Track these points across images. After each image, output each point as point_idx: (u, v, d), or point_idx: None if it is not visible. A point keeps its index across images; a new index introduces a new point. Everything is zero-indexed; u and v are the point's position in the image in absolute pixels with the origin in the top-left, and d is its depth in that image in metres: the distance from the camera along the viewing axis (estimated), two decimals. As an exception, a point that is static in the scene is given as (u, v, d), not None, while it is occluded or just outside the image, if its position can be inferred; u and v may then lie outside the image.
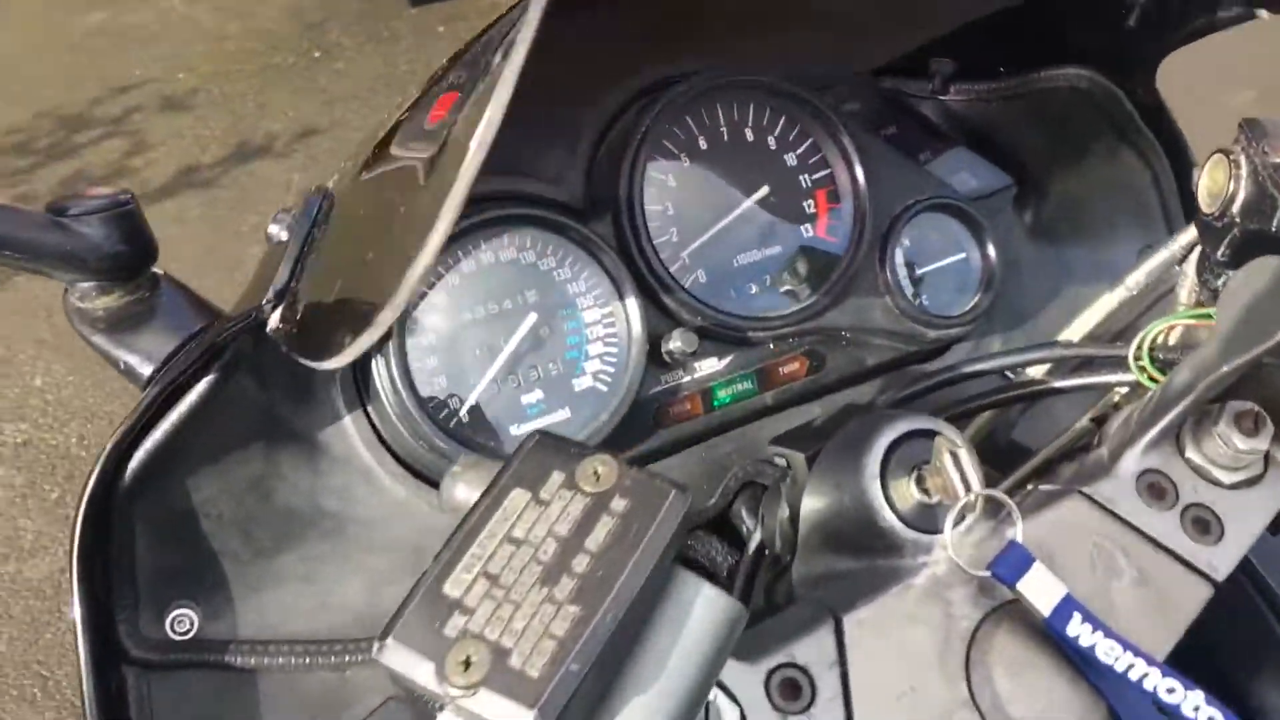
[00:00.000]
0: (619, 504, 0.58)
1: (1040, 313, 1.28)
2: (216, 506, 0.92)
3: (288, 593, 0.93)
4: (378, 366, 0.98)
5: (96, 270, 0.87)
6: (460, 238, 1.03)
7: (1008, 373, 1.06)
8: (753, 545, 0.98)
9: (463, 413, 1.02)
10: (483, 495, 0.59)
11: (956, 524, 0.68)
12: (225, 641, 0.88)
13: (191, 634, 0.84)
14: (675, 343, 1.06)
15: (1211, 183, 0.85)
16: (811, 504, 0.84)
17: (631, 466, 0.59)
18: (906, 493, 0.77)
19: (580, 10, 0.95)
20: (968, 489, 0.72)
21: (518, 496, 0.59)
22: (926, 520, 0.74)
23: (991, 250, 1.19)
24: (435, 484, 1.00)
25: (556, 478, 0.59)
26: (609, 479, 0.58)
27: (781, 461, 0.95)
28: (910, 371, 1.21)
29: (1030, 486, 0.82)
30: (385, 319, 0.78)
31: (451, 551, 0.56)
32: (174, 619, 0.87)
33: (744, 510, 1.01)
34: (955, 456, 0.74)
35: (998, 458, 1.18)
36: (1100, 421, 1.01)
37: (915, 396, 1.04)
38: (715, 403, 1.12)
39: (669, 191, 1.12)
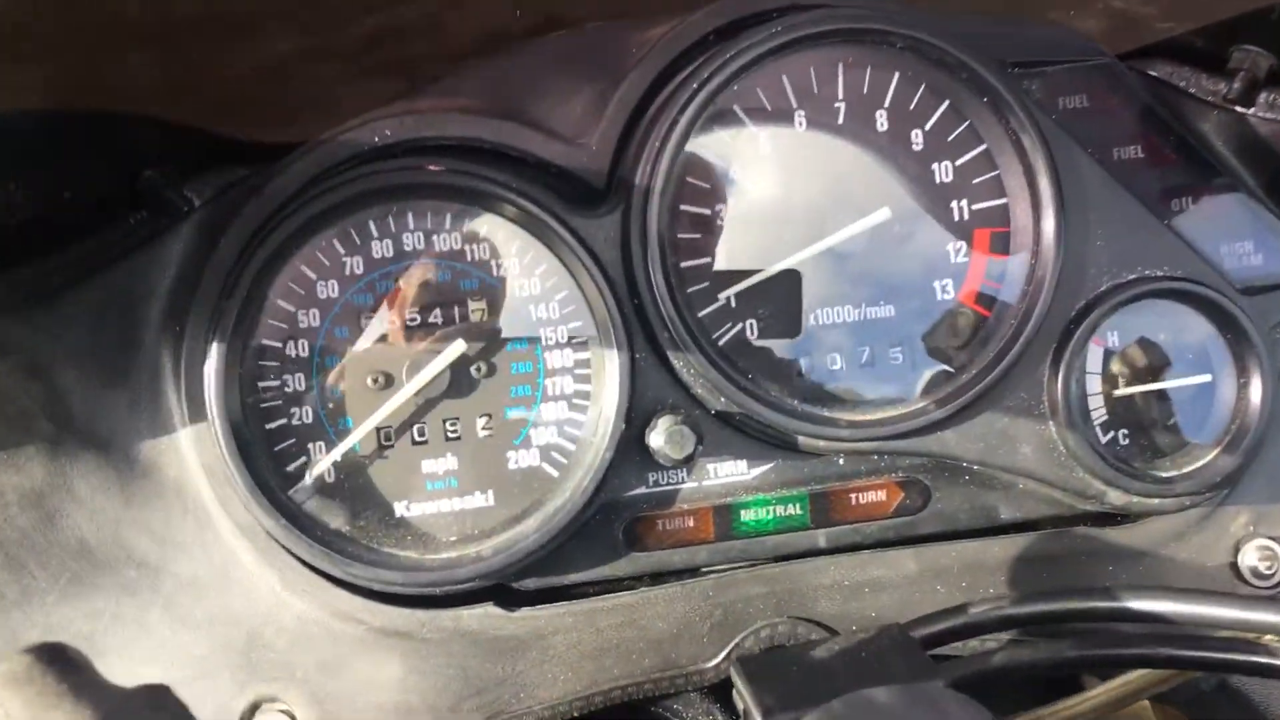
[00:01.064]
0: None
1: None
2: None
3: None
4: (206, 373, 0.67)
5: None
6: (376, 200, 0.70)
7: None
8: None
9: (323, 468, 0.69)
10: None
11: None
12: None
13: None
14: (657, 438, 0.68)
15: None
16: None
17: None
18: None
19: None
20: None
21: None
22: None
23: (1260, 382, 0.73)
24: (295, 556, 0.72)
25: None
26: None
27: (739, 703, 0.55)
28: (1075, 536, 0.76)
29: None
30: None
31: None
32: None
33: None
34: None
35: (1195, 701, 0.80)
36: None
37: (1042, 620, 0.60)
38: (737, 527, 0.74)
39: (728, 189, 0.73)
